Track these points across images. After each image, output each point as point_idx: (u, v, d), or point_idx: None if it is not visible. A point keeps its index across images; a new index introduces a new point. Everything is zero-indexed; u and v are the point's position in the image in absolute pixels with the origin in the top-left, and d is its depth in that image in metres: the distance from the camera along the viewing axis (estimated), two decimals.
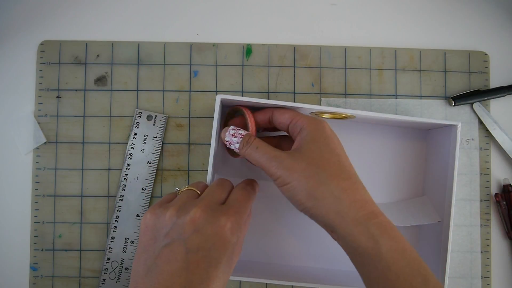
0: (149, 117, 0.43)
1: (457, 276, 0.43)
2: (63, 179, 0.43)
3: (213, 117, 0.35)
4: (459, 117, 0.44)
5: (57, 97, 0.43)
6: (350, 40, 0.45)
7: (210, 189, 0.31)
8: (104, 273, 0.42)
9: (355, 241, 0.29)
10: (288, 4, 0.45)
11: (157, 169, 0.43)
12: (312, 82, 0.44)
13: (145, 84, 0.43)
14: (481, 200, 0.43)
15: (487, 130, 0.44)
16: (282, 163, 0.30)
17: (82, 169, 0.43)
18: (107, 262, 0.42)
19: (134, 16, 0.44)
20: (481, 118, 0.44)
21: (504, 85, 0.44)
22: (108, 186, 0.43)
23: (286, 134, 0.35)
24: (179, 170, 0.43)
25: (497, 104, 0.44)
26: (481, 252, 0.43)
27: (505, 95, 0.43)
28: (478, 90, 0.44)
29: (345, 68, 0.44)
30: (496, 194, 0.43)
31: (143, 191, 0.42)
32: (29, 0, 0.44)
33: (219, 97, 0.35)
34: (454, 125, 0.38)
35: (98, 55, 0.44)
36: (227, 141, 0.34)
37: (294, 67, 0.44)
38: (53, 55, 0.43)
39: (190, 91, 0.44)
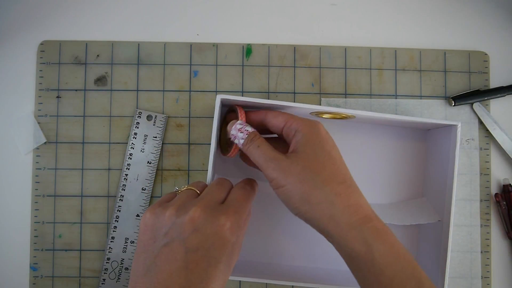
0: (149, 117, 0.43)
1: (457, 276, 0.43)
2: (63, 179, 0.43)
3: (213, 117, 0.35)
4: (459, 117, 0.44)
5: (57, 97, 0.43)
6: (350, 40, 0.45)
7: (209, 189, 0.31)
8: (104, 273, 0.42)
9: (349, 245, 0.29)
10: (288, 4, 0.45)
11: (157, 169, 0.43)
12: (312, 82, 0.44)
13: (145, 84, 0.44)
14: (481, 200, 0.43)
15: (487, 130, 0.44)
16: (278, 165, 0.30)
17: (82, 169, 0.43)
18: (107, 262, 0.42)
19: (134, 16, 0.44)
20: (481, 118, 0.44)
21: (504, 85, 0.44)
22: (108, 186, 0.43)
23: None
24: (179, 170, 0.43)
25: (497, 104, 0.44)
26: (481, 252, 0.43)
27: (505, 95, 0.43)
28: (478, 90, 0.44)
29: (345, 68, 0.44)
30: (496, 194, 0.43)
31: (143, 191, 0.42)
32: (29, 0, 0.44)
33: (219, 97, 0.35)
34: (454, 125, 0.38)
35: (98, 55, 0.44)
36: (232, 135, 0.34)
37: (294, 67, 0.44)
38: (53, 55, 0.43)
39: (190, 91, 0.44)
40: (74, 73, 0.43)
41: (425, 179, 0.43)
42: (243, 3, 0.45)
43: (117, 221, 0.42)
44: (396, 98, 0.44)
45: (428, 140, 0.43)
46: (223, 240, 0.28)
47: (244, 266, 0.40)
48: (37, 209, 0.42)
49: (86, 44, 0.44)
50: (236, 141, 0.33)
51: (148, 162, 0.42)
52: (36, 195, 0.42)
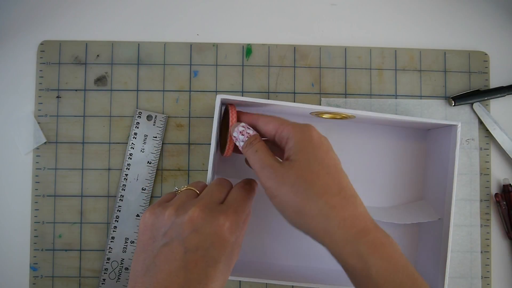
0: (149, 117, 0.43)
1: (457, 276, 0.43)
2: (63, 179, 0.43)
3: (213, 117, 0.35)
4: (459, 117, 0.44)
5: (57, 97, 0.43)
6: (350, 40, 0.45)
7: (209, 189, 0.31)
8: (104, 273, 0.42)
9: (345, 261, 0.28)
10: (288, 4, 0.45)
11: (157, 169, 0.43)
12: (312, 82, 0.44)
13: (145, 84, 0.44)
14: (481, 200, 0.43)
15: (487, 130, 0.44)
16: (273, 174, 0.29)
17: (82, 169, 0.43)
18: (107, 262, 0.42)
19: (134, 16, 0.44)
20: (481, 118, 0.44)
21: (504, 85, 0.44)
22: (108, 186, 0.43)
23: None
24: (179, 170, 0.43)
25: (497, 104, 0.44)
26: (481, 252, 0.43)
27: (505, 95, 0.43)
28: (478, 90, 0.44)
29: (345, 68, 0.44)
30: (496, 194, 0.43)
31: (143, 191, 0.42)
32: (29, 0, 0.44)
33: (219, 97, 0.35)
34: (454, 125, 0.37)
35: (98, 55, 0.44)
36: (234, 137, 0.33)
37: (294, 67, 0.44)
38: (53, 55, 0.43)
39: (190, 91, 0.44)
40: (74, 73, 0.43)
41: (425, 179, 0.43)
42: (243, 3, 0.45)
43: (117, 221, 0.42)
44: (396, 98, 0.44)
45: (428, 140, 0.43)
46: (222, 240, 0.28)
47: (244, 266, 0.40)
48: (37, 209, 0.42)
49: (86, 44, 0.44)
50: (237, 143, 0.33)
51: (148, 162, 0.42)
52: (36, 195, 0.42)
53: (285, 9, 0.45)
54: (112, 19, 0.44)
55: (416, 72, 0.44)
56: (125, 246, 0.42)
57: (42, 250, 0.42)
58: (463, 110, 0.44)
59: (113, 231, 0.42)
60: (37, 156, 0.43)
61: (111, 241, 0.42)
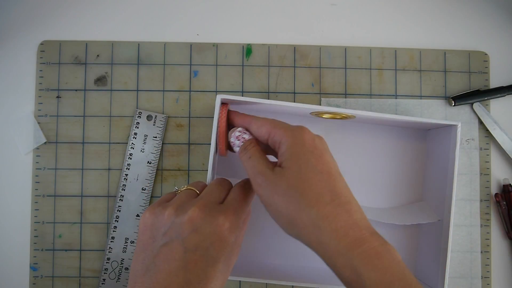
0: (149, 117, 0.43)
1: (457, 276, 0.43)
2: (63, 179, 0.43)
3: (213, 117, 0.35)
4: (459, 117, 0.44)
5: (57, 97, 0.43)
6: (350, 40, 0.45)
7: (208, 189, 0.31)
8: (104, 273, 0.42)
9: (339, 272, 0.27)
10: (288, 4, 0.45)
11: (157, 169, 0.43)
12: (312, 82, 0.44)
13: (145, 84, 0.44)
14: (481, 200, 0.43)
15: (487, 130, 0.44)
16: (265, 182, 0.28)
17: (82, 169, 0.43)
18: (107, 262, 0.42)
19: (134, 16, 0.44)
20: (481, 118, 0.43)
21: (504, 85, 0.44)
22: (108, 186, 0.43)
23: None
24: (179, 170, 0.43)
25: (497, 104, 0.44)
26: (481, 252, 0.43)
27: (505, 95, 0.43)
28: (478, 90, 0.44)
29: (345, 68, 0.44)
30: (496, 194, 0.43)
31: (143, 191, 0.42)
32: (29, 0, 0.44)
33: (219, 97, 0.35)
34: (454, 125, 0.37)
35: (98, 55, 0.44)
36: (231, 142, 0.33)
37: (294, 67, 0.44)
38: (53, 55, 0.43)
39: (190, 91, 0.44)
40: (74, 73, 0.43)
41: (425, 179, 0.43)
42: (243, 3, 0.45)
43: (117, 221, 0.42)
44: (396, 98, 0.44)
45: (428, 140, 0.43)
46: (222, 240, 0.28)
47: (244, 266, 0.40)
48: (37, 209, 0.42)
49: (86, 44, 0.44)
50: (234, 148, 0.33)
51: (148, 162, 0.42)
52: (36, 195, 0.42)
53: (285, 9, 0.45)
54: (112, 19, 0.44)
55: (416, 72, 0.44)
56: (125, 246, 0.42)
57: (42, 250, 0.42)
58: (463, 110, 0.44)
59: (113, 231, 0.42)
60: (37, 156, 0.43)
61: (111, 241, 0.42)
